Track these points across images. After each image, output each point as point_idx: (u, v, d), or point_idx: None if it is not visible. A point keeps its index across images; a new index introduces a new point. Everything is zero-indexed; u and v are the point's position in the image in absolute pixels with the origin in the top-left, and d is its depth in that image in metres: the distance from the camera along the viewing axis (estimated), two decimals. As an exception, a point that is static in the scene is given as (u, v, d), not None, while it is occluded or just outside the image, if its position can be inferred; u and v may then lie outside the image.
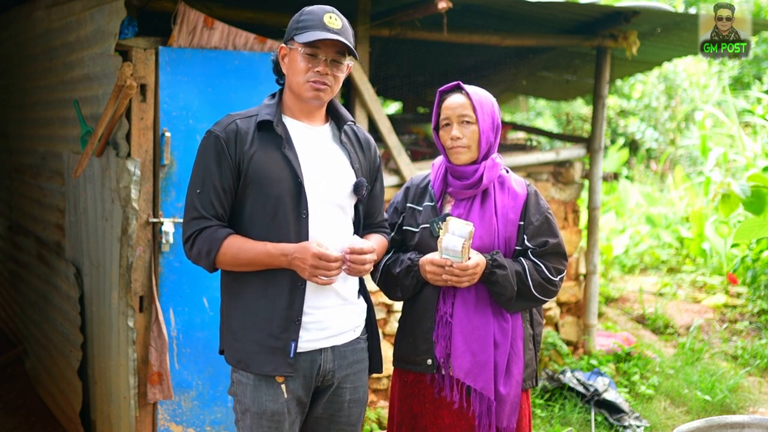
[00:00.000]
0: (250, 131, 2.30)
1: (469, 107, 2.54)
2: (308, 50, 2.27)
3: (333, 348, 2.38)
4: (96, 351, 3.95)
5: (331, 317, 2.37)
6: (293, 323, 2.29)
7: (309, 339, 2.33)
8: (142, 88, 3.53)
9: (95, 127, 3.57)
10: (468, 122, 2.54)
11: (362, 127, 4.35)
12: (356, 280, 2.45)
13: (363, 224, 2.51)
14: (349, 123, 2.46)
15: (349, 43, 2.28)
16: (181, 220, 3.60)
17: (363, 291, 2.51)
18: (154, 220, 3.60)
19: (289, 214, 2.28)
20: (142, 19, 3.66)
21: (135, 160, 3.50)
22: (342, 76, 2.35)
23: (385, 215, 2.63)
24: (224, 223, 2.31)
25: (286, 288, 2.29)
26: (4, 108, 5.56)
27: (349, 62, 2.34)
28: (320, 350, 2.36)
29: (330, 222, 2.35)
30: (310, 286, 2.32)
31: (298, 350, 2.31)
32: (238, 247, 2.26)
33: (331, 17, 2.28)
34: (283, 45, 2.34)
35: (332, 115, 2.45)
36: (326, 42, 2.26)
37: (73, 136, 4.04)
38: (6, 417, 4.52)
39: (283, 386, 2.31)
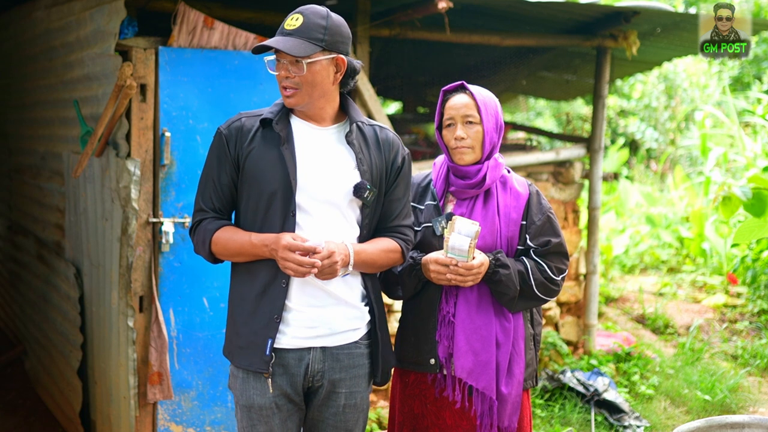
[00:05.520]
0: (254, 129, 2.35)
1: (473, 107, 2.54)
2: (270, 58, 2.32)
3: (324, 349, 2.36)
4: (96, 351, 3.95)
5: (321, 316, 2.34)
6: (272, 320, 2.30)
7: (295, 336, 2.32)
8: (142, 88, 3.53)
9: (95, 127, 3.57)
10: (472, 123, 2.54)
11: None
12: (358, 282, 2.42)
13: (377, 227, 2.46)
14: (362, 122, 2.40)
15: (284, 49, 2.21)
16: (181, 220, 3.62)
17: (371, 297, 2.44)
18: (154, 220, 3.60)
19: (279, 212, 2.30)
20: (142, 19, 3.66)
21: (135, 160, 3.50)
22: (311, 75, 2.27)
23: (409, 221, 2.50)
24: (221, 215, 2.39)
25: (268, 284, 2.31)
26: (4, 108, 5.56)
27: (321, 58, 2.26)
28: (309, 349, 2.35)
29: (324, 222, 2.32)
30: (296, 283, 2.32)
31: (284, 346, 2.32)
32: (227, 238, 2.33)
33: (292, 18, 2.28)
34: None
35: (347, 116, 2.42)
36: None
37: (73, 136, 4.04)
38: (6, 417, 4.52)
39: (269, 381, 2.32)
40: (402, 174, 2.45)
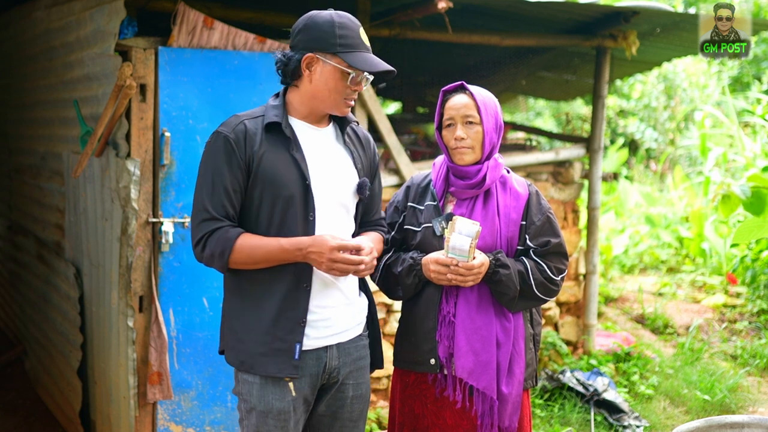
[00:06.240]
0: (258, 132, 2.30)
1: (473, 108, 2.54)
2: (353, 72, 2.28)
3: (338, 345, 2.40)
4: (96, 351, 3.95)
5: (337, 315, 2.39)
6: (298, 325, 2.30)
7: (315, 337, 2.34)
8: (142, 88, 3.53)
9: (95, 127, 3.57)
10: (472, 123, 2.54)
11: (362, 127, 4.36)
12: (356, 277, 2.46)
13: (361, 222, 2.54)
14: (353, 122, 2.49)
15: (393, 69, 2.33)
16: (181, 220, 3.61)
17: (364, 288, 2.53)
18: (154, 220, 3.60)
19: (298, 216, 2.29)
20: (142, 19, 3.66)
21: (135, 160, 3.50)
22: None
23: (383, 213, 2.65)
24: (234, 223, 2.31)
25: (291, 289, 2.30)
26: (4, 108, 5.56)
27: None
28: (325, 348, 2.37)
29: (335, 222, 2.37)
30: (315, 286, 2.33)
31: (304, 348, 2.32)
32: (251, 246, 2.25)
33: (363, 32, 2.33)
34: (311, 54, 2.28)
35: (334, 116, 2.46)
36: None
37: (72, 136, 4.04)
38: (6, 417, 4.52)
39: (291, 385, 2.31)
40: (378, 168, 2.58)
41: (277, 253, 2.25)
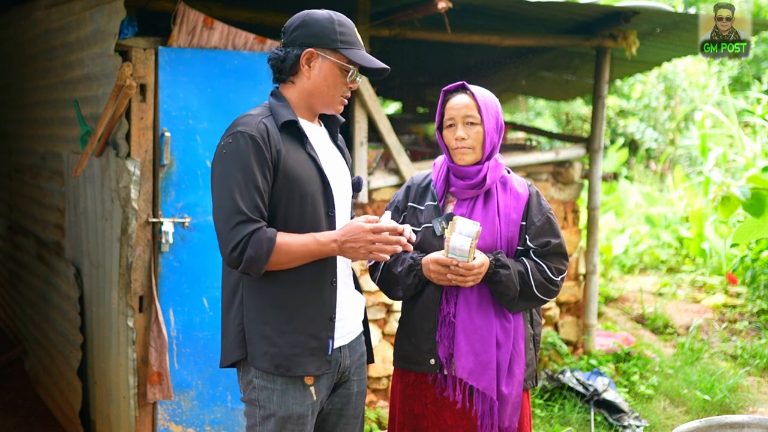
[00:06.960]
0: (276, 130, 2.27)
1: (474, 108, 2.54)
2: (354, 68, 2.30)
3: (349, 344, 2.41)
4: (96, 351, 3.95)
5: (349, 314, 2.41)
6: (329, 321, 2.30)
7: (337, 337, 2.35)
8: (142, 88, 3.53)
9: (95, 127, 3.58)
10: (473, 123, 2.54)
11: (363, 127, 4.37)
12: (352, 274, 2.48)
13: None
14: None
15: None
16: (181, 220, 3.61)
17: (356, 286, 2.54)
18: (154, 220, 3.61)
19: (321, 213, 2.30)
20: (142, 19, 3.66)
21: (135, 160, 3.50)
22: None
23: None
24: (267, 223, 2.25)
25: (321, 287, 2.30)
26: (4, 108, 5.56)
27: None
28: (339, 348, 2.37)
29: (346, 218, 2.41)
30: (340, 282, 2.34)
31: None
32: (289, 244, 2.21)
33: (357, 31, 2.36)
34: (311, 49, 2.28)
35: (321, 116, 2.46)
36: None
37: (72, 136, 4.04)
38: (6, 417, 4.52)
39: (312, 388, 2.30)
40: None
41: (314, 248, 2.22)
